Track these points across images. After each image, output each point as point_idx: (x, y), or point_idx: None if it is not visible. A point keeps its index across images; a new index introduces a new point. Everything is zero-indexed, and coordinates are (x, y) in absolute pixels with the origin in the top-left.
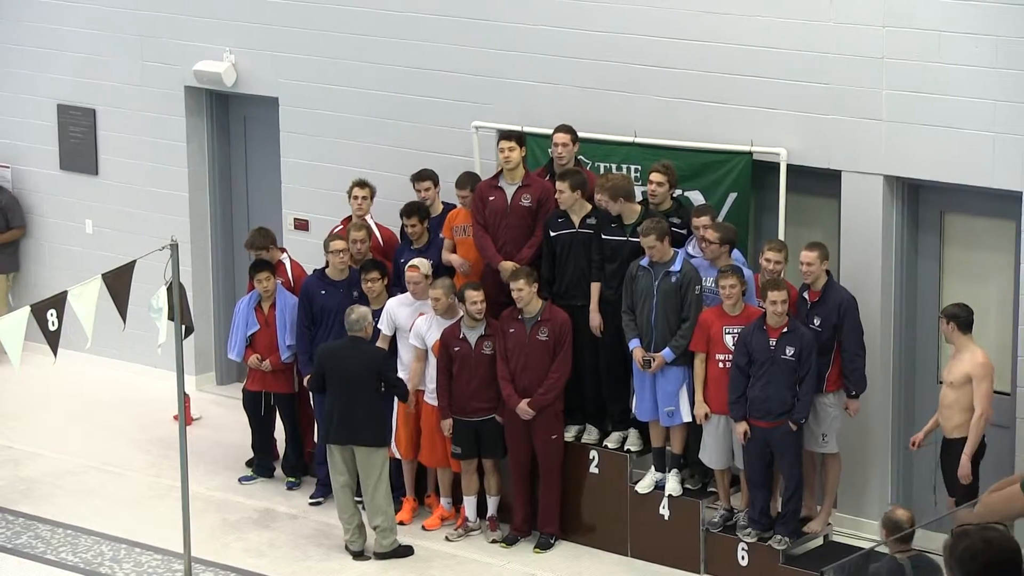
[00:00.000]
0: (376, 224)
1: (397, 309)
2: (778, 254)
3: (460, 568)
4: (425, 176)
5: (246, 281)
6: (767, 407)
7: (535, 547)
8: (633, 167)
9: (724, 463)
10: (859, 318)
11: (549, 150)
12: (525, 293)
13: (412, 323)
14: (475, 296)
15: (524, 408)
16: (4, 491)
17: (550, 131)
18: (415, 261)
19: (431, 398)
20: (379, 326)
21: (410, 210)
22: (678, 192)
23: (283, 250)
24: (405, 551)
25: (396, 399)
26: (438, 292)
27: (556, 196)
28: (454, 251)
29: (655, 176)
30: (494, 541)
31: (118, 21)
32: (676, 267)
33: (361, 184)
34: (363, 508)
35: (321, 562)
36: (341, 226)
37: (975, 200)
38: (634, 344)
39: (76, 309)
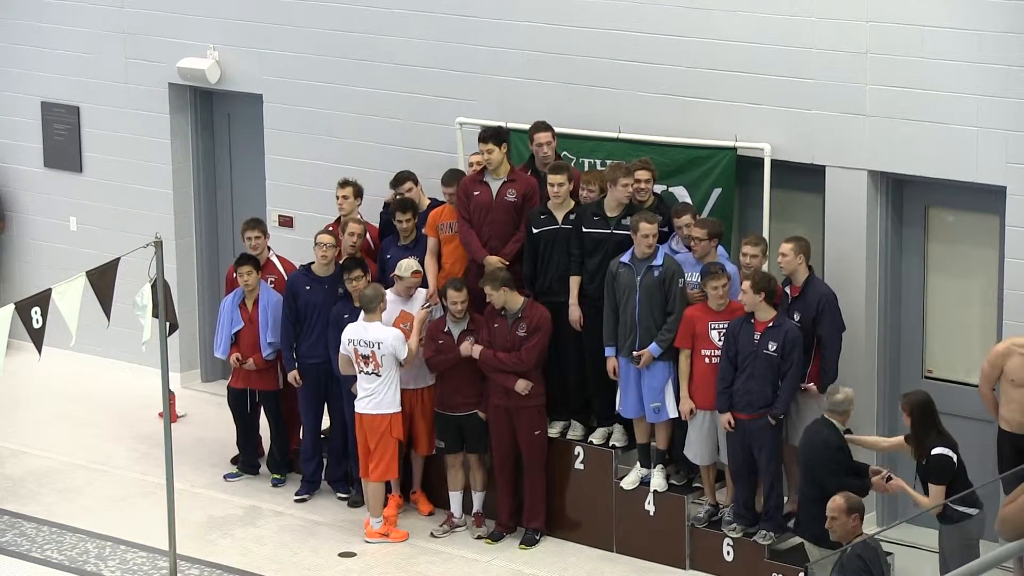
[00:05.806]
0: (367, 224)
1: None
2: (755, 248)
3: (445, 564)
4: (404, 179)
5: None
6: (747, 400)
7: (520, 543)
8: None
9: (709, 459)
10: (839, 314)
11: (533, 149)
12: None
13: (395, 318)
14: (456, 296)
15: (522, 384)
16: None
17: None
18: (417, 266)
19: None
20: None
21: (404, 206)
22: (661, 188)
23: (268, 248)
24: None
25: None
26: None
27: (555, 190)
28: (439, 249)
29: (642, 174)
30: (480, 537)
31: (102, 18)
32: (658, 261)
33: (342, 184)
34: None
35: (307, 559)
36: (332, 227)
37: (959, 195)
38: (609, 352)
39: (60, 307)
